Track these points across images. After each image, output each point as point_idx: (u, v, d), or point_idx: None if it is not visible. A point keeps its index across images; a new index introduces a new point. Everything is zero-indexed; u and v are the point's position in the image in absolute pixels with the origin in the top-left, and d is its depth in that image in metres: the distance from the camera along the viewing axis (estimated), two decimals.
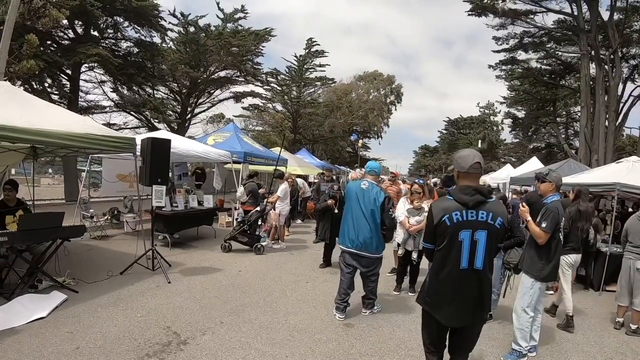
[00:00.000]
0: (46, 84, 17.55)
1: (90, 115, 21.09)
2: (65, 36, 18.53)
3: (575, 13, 24.70)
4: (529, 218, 4.55)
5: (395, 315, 5.77)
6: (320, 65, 37.75)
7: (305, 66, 37.58)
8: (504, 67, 31.77)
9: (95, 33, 19.18)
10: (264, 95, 34.13)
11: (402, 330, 5.25)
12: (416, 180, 7.29)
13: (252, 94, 31.22)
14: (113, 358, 4.04)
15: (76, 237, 6.26)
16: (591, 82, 24.94)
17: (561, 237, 4.52)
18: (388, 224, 5.44)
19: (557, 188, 4.68)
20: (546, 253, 4.44)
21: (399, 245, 6.88)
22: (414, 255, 6.64)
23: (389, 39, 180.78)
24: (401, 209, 6.85)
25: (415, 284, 6.92)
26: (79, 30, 18.46)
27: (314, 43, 37.31)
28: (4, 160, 7.83)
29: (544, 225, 4.34)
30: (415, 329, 5.08)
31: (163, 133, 11.39)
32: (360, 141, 43.91)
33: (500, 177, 21.47)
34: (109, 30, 19.95)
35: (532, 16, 26.88)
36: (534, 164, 19.25)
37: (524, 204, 4.75)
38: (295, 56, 37.52)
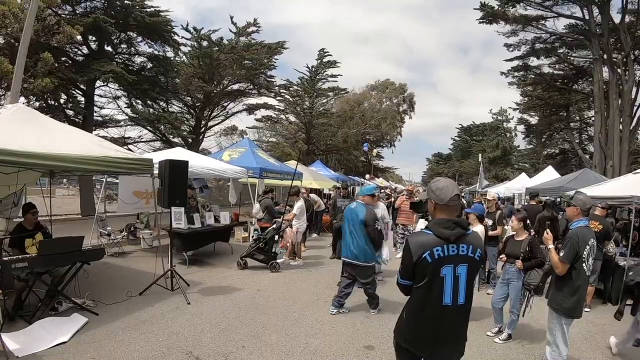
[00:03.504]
0: (61, 100, 17.70)
1: (105, 129, 21.30)
2: (80, 52, 18.74)
3: (587, 17, 24.60)
4: (551, 245, 4.26)
5: None
6: (332, 76, 37.82)
7: (317, 77, 37.61)
8: (516, 74, 31.65)
9: (109, 49, 19.35)
10: (277, 107, 34.21)
11: None
12: None
13: (265, 106, 31.35)
14: None
15: (95, 260, 6.24)
16: (604, 86, 24.76)
17: (584, 267, 4.11)
18: (372, 236, 6.37)
19: (583, 212, 4.28)
20: (566, 284, 4.13)
21: None
22: None
23: (405, 46, 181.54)
24: (420, 227, 6.82)
25: None
26: (93, 46, 18.64)
27: (326, 53, 37.38)
28: (21, 179, 7.87)
29: (561, 254, 4.07)
30: None
31: (179, 150, 11.40)
32: (375, 150, 43.77)
33: (515, 187, 21.30)
34: (123, 46, 20.11)
35: (543, 22, 26.85)
36: (549, 174, 19.07)
37: (548, 231, 4.54)
38: (308, 67, 37.61)
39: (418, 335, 2.76)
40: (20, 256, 5.37)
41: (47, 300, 5.63)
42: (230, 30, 27.06)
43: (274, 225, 9.37)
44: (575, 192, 4.57)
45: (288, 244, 10.36)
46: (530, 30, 27.44)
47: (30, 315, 5.33)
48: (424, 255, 2.61)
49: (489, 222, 8.23)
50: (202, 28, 25.88)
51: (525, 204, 15.81)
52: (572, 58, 29.21)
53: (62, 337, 4.83)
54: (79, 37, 16.71)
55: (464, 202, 14.57)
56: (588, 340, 5.89)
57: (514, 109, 38.58)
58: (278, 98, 32.79)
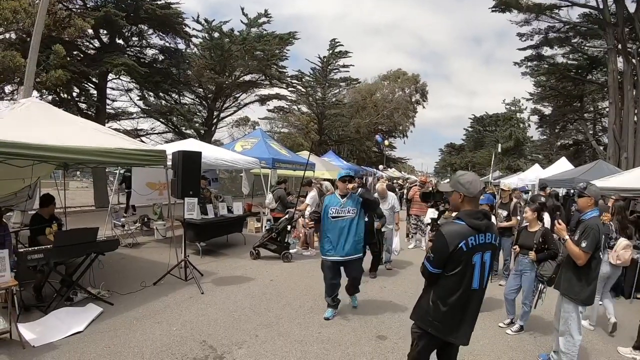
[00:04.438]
0: (74, 94, 17.82)
1: (118, 122, 21.43)
2: (91, 46, 18.82)
3: (601, 6, 23.99)
4: (567, 236, 4.22)
5: None
6: (344, 66, 37.56)
7: (329, 67, 37.41)
8: (529, 64, 31.17)
9: (121, 42, 19.41)
10: (289, 98, 34.14)
11: None
12: None
13: (277, 97, 31.28)
14: None
15: (110, 250, 6.29)
16: (619, 77, 24.21)
17: (601, 255, 4.23)
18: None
19: (596, 202, 4.36)
20: (585, 274, 4.14)
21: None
22: None
23: (418, 37, 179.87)
24: (431, 214, 6.70)
25: None
26: (105, 39, 18.71)
27: (338, 44, 37.10)
28: (35, 172, 7.95)
29: (583, 245, 4.02)
30: None
31: (192, 142, 11.41)
32: (387, 141, 43.57)
33: (528, 177, 21.04)
34: (134, 39, 20.19)
35: (556, 10, 26.27)
36: (563, 165, 18.83)
37: (560, 221, 4.50)
38: (319, 57, 37.41)
39: (447, 320, 2.94)
40: (35, 247, 5.41)
41: (63, 291, 5.69)
42: (242, 22, 26.99)
43: (287, 216, 9.37)
44: (588, 183, 4.51)
45: (301, 234, 10.36)
46: (544, 19, 26.90)
47: (45, 305, 5.39)
48: (460, 245, 2.81)
49: (504, 213, 8.14)
50: (214, 20, 25.90)
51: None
52: (586, 48, 28.63)
53: (77, 327, 4.87)
54: (90, 31, 16.82)
55: None
56: (599, 333, 5.80)
57: (528, 100, 38.10)
58: (290, 89, 32.67)
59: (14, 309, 4.64)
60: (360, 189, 5.66)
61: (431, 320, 2.97)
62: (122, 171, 12.76)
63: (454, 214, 3.22)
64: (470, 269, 2.86)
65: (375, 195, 9.04)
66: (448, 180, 3.59)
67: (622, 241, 5.89)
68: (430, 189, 4.56)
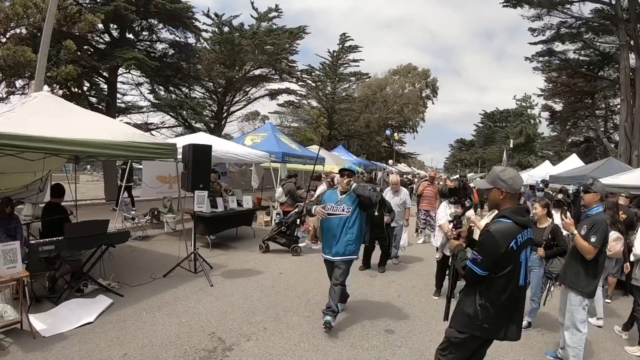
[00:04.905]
0: (84, 88, 17.91)
1: (128, 116, 21.53)
2: (102, 40, 18.88)
3: (613, 2, 23.69)
4: (576, 231, 4.27)
5: (435, 322, 5.55)
6: (354, 61, 37.48)
7: (339, 62, 37.29)
8: (540, 59, 30.74)
9: (131, 36, 19.46)
10: (299, 92, 34.14)
11: (442, 337, 5.08)
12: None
13: (287, 91, 31.39)
14: None
15: (120, 242, 6.33)
16: (631, 74, 23.85)
17: (606, 250, 4.30)
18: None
19: (602, 198, 4.42)
20: (593, 268, 4.19)
21: (437, 249, 6.65)
22: None
23: (429, 32, 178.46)
24: (442, 212, 6.61)
25: (455, 289, 6.68)
26: (115, 33, 18.75)
27: (347, 38, 37.02)
28: (46, 165, 8.01)
29: (593, 239, 4.05)
30: None
31: (202, 135, 11.45)
32: (396, 135, 43.39)
33: (538, 174, 20.82)
34: (144, 33, 20.21)
35: (568, 5, 25.88)
36: (573, 162, 18.63)
37: (568, 215, 4.53)
38: (329, 52, 37.31)
39: (499, 320, 2.84)
40: (46, 239, 5.45)
41: (74, 282, 5.73)
42: (252, 16, 27.13)
43: (296, 209, 9.36)
44: (594, 179, 4.62)
45: (310, 228, 10.35)
46: (556, 14, 26.56)
47: (56, 297, 5.43)
48: (510, 244, 2.72)
49: None
50: (223, 14, 25.89)
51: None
52: (598, 44, 28.19)
53: (87, 318, 4.90)
54: (100, 25, 16.82)
55: None
56: (608, 331, 5.73)
57: (539, 96, 37.60)
58: (300, 83, 32.73)
59: (25, 300, 4.69)
60: (354, 184, 5.27)
61: (480, 324, 2.84)
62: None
63: (489, 212, 3.15)
64: (518, 267, 2.79)
65: (387, 189, 9.04)
66: (482, 176, 3.52)
67: (613, 234, 5.89)
68: (455, 185, 4.50)
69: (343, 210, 5.19)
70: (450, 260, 6.39)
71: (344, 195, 5.26)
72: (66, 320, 4.79)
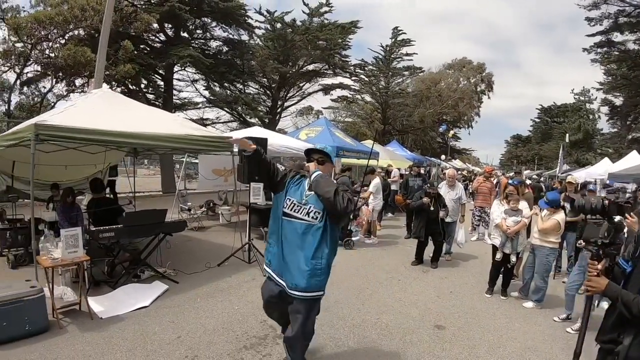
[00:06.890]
0: (142, 85, 18.52)
1: (184, 112, 22.14)
2: (157, 39, 19.53)
3: None
4: None
5: (485, 320, 5.31)
6: (407, 54, 36.74)
7: (392, 56, 36.74)
8: (599, 50, 29.15)
9: (185, 34, 20.03)
10: (352, 87, 33.81)
11: (492, 335, 4.81)
12: (510, 182, 6.85)
13: (341, 86, 31.16)
14: (213, 348, 4.04)
15: (178, 231, 6.42)
16: None
17: None
18: None
19: None
20: None
21: (496, 248, 6.31)
22: (513, 259, 6.11)
23: (486, 25, 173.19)
24: (496, 211, 6.31)
25: (507, 287, 6.38)
26: (170, 33, 19.37)
27: (400, 32, 36.35)
28: (107, 158, 8.30)
29: None
30: (506, 335, 4.82)
31: (257, 129, 11.54)
32: (452, 132, 42.38)
33: (597, 172, 19.71)
34: (198, 31, 20.75)
35: None
36: (634, 159, 17.46)
37: (632, 214, 4.05)
38: (382, 46, 36.85)
39: None
40: (106, 227, 5.59)
41: (131, 269, 5.87)
42: (303, 12, 27.11)
43: None
44: None
45: (364, 222, 10.21)
46: (613, 2, 25.11)
47: (114, 281, 5.58)
48: None
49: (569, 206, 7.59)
50: (275, 10, 26.17)
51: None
52: None
53: (143, 302, 4.99)
54: (155, 25, 17.37)
55: (543, 186, 13.66)
56: None
57: (598, 89, 35.83)
58: (353, 78, 32.43)
59: (84, 283, 4.81)
60: (315, 174, 3.27)
61: None
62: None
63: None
64: None
65: (443, 183, 8.77)
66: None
67: None
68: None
69: (308, 214, 3.29)
70: (509, 260, 6.07)
71: (312, 192, 3.29)
72: (123, 304, 4.89)
